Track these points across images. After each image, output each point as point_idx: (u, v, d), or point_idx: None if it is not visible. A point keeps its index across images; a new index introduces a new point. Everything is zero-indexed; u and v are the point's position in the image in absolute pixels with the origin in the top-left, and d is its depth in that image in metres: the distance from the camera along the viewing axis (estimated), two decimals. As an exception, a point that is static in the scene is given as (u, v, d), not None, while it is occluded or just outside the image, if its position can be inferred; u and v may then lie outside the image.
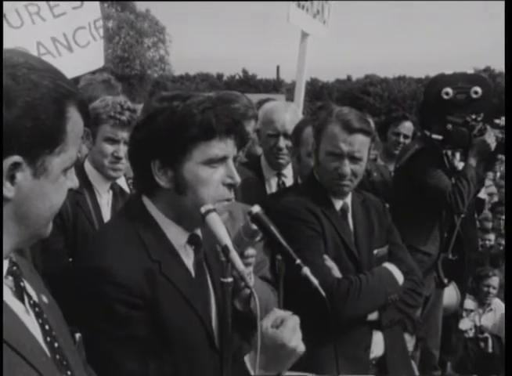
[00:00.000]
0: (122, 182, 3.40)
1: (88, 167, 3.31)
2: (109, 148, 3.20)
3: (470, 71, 4.33)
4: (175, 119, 1.85)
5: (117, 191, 3.36)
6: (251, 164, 4.12)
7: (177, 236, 1.96)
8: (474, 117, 4.14)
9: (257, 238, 2.24)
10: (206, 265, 2.07)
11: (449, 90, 4.14)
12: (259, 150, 4.37)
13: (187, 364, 1.90)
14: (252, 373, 1.82)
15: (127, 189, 3.40)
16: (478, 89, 4.12)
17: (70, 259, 3.11)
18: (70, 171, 1.28)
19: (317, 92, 62.81)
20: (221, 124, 1.87)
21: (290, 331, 1.82)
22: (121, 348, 1.80)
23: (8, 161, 1.15)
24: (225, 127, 1.89)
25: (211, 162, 1.89)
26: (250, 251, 2.30)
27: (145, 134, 1.90)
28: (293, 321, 1.85)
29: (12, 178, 1.17)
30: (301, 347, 1.84)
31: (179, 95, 1.92)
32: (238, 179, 1.95)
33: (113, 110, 3.14)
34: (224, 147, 1.91)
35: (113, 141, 3.20)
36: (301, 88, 5.62)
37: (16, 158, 1.16)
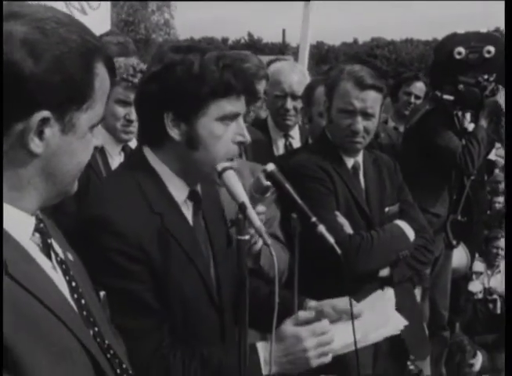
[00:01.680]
0: (133, 145, 3.39)
1: (99, 129, 3.30)
2: (121, 110, 3.16)
3: (483, 30, 4.26)
4: (194, 72, 1.82)
5: (128, 153, 3.35)
6: (258, 126, 4.11)
7: (178, 190, 1.94)
8: (486, 77, 4.08)
9: (268, 194, 2.24)
10: (204, 222, 2.05)
11: (462, 49, 4.07)
12: (264, 114, 4.34)
13: (185, 319, 1.89)
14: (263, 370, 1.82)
15: (138, 151, 3.39)
16: (491, 48, 4.05)
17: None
18: (95, 129, 1.27)
19: (323, 56, 62.10)
20: (240, 82, 1.87)
21: (311, 332, 1.85)
22: (117, 301, 1.68)
23: (37, 116, 1.13)
24: (243, 85, 1.88)
25: (225, 118, 1.88)
26: (261, 208, 2.31)
27: (160, 84, 1.85)
28: (318, 326, 1.87)
29: (40, 134, 1.15)
30: (312, 356, 1.84)
31: (195, 47, 1.90)
32: (248, 137, 1.95)
33: (125, 72, 3.09)
34: (238, 104, 1.91)
35: (125, 103, 3.15)
36: (305, 51, 5.57)
37: (45, 113, 1.14)
